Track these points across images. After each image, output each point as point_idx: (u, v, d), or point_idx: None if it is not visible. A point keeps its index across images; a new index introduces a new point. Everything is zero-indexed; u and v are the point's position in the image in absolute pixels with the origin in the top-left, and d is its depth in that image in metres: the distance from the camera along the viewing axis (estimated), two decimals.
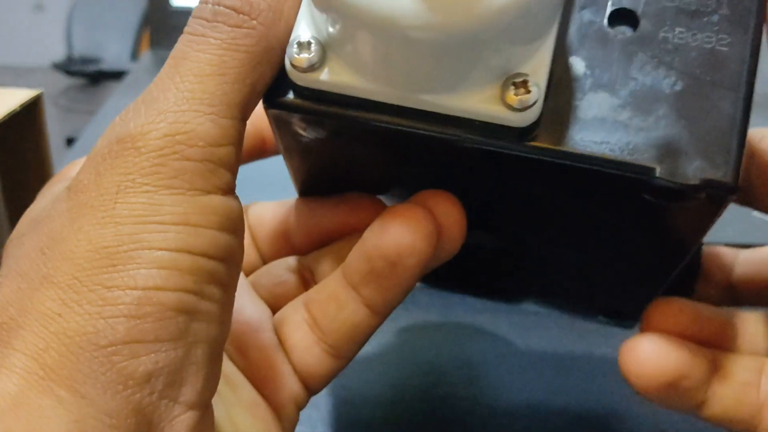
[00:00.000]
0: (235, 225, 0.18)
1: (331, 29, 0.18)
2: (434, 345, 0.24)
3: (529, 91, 0.18)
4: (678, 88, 0.19)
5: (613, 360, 0.23)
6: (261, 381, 0.22)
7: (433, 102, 0.18)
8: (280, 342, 0.22)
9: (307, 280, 0.24)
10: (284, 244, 0.25)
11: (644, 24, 0.19)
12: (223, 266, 0.18)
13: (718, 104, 0.19)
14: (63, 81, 0.64)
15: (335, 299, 0.21)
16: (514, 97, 0.18)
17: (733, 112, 0.19)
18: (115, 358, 0.16)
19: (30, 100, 0.30)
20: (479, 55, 0.18)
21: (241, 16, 0.18)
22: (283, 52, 0.19)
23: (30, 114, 0.30)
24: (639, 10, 0.19)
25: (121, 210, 0.17)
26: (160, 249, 0.17)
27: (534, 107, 0.18)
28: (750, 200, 0.22)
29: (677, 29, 0.19)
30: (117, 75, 0.64)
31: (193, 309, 0.17)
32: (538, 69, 0.18)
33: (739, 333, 0.23)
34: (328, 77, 0.19)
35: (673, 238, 0.23)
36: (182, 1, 0.61)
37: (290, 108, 0.19)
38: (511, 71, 0.18)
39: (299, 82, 0.19)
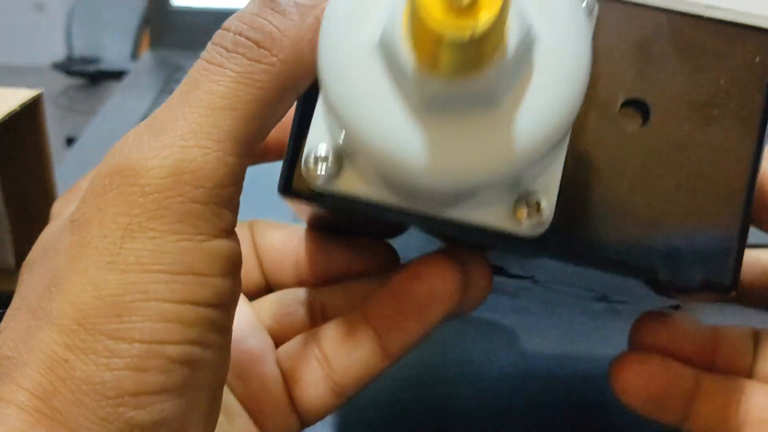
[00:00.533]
0: (236, 267, 0.18)
1: (345, 144, 0.18)
2: (433, 344, 0.24)
3: (540, 212, 0.18)
4: (684, 188, 0.19)
5: (611, 359, 0.23)
6: (258, 412, 0.22)
7: (447, 215, 0.19)
8: (285, 374, 0.22)
9: (315, 314, 0.24)
10: (291, 272, 0.25)
11: (655, 116, 0.19)
12: (224, 312, 0.18)
13: (722, 205, 0.19)
14: (63, 81, 0.64)
15: (351, 338, 0.22)
16: (526, 217, 0.18)
17: (735, 213, 0.19)
18: (122, 409, 0.16)
19: (30, 99, 0.30)
20: (488, 190, 0.18)
21: (261, 50, 0.18)
22: (298, 92, 0.19)
23: (30, 114, 0.30)
24: (650, 101, 0.19)
25: (127, 256, 0.17)
26: (166, 301, 0.17)
27: (545, 224, 0.18)
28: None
29: (687, 124, 0.19)
30: (117, 75, 0.64)
31: (197, 359, 0.17)
32: (549, 185, 0.18)
33: (723, 350, 0.24)
34: (344, 187, 0.19)
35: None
36: (182, 1, 0.61)
37: (307, 199, 0.19)
38: (523, 190, 0.18)
39: (316, 189, 0.19)
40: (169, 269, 0.17)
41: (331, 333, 0.22)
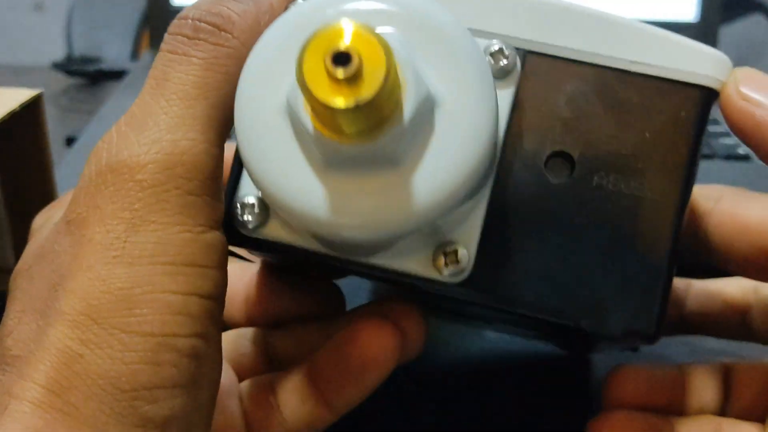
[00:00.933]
0: (226, 259, 0.19)
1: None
2: (429, 343, 0.24)
3: (458, 261, 0.19)
4: (608, 238, 0.19)
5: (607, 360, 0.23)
6: None
7: (371, 261, 0.19)
8: (244, 412, 0.23)
9: (267, 356, 0.25)
10: (241, 309, 0.25)
11: (580, 168, 0.20)
12: (221, 305, 0.18)
13: (646, 256, 0.19)
14: (63, 81, 0.64)
15: (299, 393, 0.22)
16: (445, 266, 0.19)
17: (660, 264, 0.19)
18: (137, 402, 0.16)
19: (30, 99, 0.30)
20: (407, 237, 0.18)
21: (223, 34, 0.18)
22: None
23: (30, 114, 0.30)
24: (575, 154, 0.20)
25: (132, 249, 0.17)
26: (173, 293, 0.17)
27: (465, 271, 0.19)
28: (709, 258, 0.23)
29: (612, 176, 0.20)
30: (117, 75, 0.64)
31: (202, 354, 0.17)
32: (469, 234, 0.19)
33: (694, 391, 0.24)
34: (271, 235, 0.20)
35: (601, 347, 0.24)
36: (182, 1, 0.61)
37: (243, 244, 0.20)
38: (442, 239, 0.19)
39: (247, 235, 0.20)
40: (173, 260, 0.17)
41: (281, 384, 0.23)
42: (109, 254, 0.17)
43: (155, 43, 0.64)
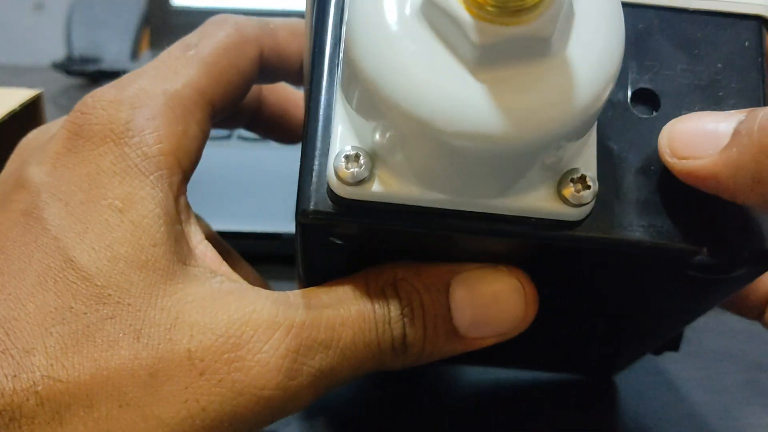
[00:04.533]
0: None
1: (380, 139, 0.18)
2: (448, 373, 0.24)
3: (588, 186, 0.18)
4: None
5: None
6: None
7: (490, 204, 0.18)
8: None
9: None
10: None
11: (665, 103, 0.20)
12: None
13: None
14: (63, 80, 0.64)
15: None
16: (575, 193, 0.18)
17: None
18: None
19: (30, 99, 0.30)
20: (541, 159, 0.18)
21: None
22: None
23: (30, 114, 0.30)
24: (658, 90, 0.20)
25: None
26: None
27: (592, 201, 0.18)
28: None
29: (697, 106, 0.20)
30: (117, 75, 0.63)
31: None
32: (589, 162, 0.19)
33: None
34: (377, 189, 0.18)
35: (697, 303, 0.23)
36: (182, 1, 0.61)
37: (331, 223, 0.19)
38: (565, 168, 0.18)
39: (347, 196, 0.18)
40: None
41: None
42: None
43: (155, 43, 0.64)
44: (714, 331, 0.36)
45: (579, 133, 0.17)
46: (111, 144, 0.21)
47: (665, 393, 0.32)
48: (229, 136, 0.49)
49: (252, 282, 0.29)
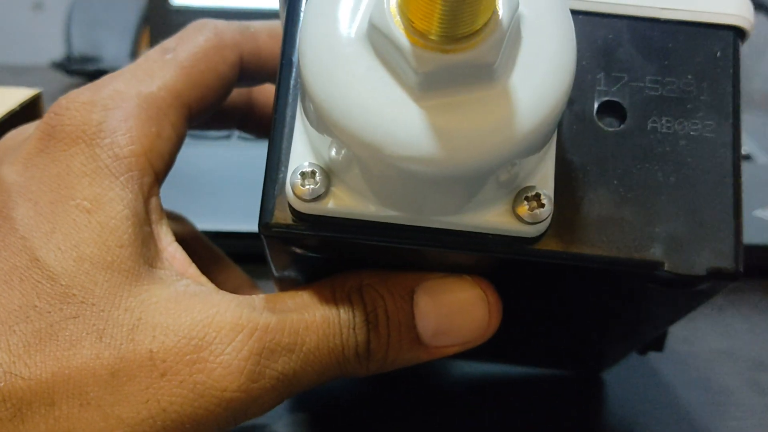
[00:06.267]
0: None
1: (335, 156, 0.18)
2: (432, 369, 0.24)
3: (542, 205, 0.18)
4: (673, 179, 0.19)
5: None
6: None
7: (446, 221, 0.18)
8: None
9: None
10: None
11: (631, 115, 0.20)
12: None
13: (713, 191, 0.19)
14: (62, 80, 0.64)
15: None
16: (529, 212, 0.18)
17: (728, 199, 0.19)
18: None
19: (29, 99, 0.30)
20: (492, 179, 0.18)
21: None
22: None
23: (29, 113, 0.30)
24: (625, 102, 0.20)
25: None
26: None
27: (547, 219, 0.18)
28: None
29: (664, 119, 0.20)
30: None
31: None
32: (545, 179, 0.18)
33: None
34: (333, 205, 0.18)
35: (666, 314, 0.23)
36: (182, 1, 0.61)
37: (291, 235, 0.19)
38: (521, 185, 0.18)
39: (305, 211, 0.18)
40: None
41: None
42: None
43: (155, 42, 0.64)
44: (714, 331, 0.36)
45: (526, 155, 0.17)
46: (82, 145, 0.22)
47: (666, 393, 0.32)
48: (229, 136, 0.49)
49: (238, 283, 0.29)
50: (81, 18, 0.71)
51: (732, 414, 0.31)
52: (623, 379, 0.32)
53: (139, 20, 0.72)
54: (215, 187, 0.42)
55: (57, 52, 0.70)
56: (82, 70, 0.65)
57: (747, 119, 0.55)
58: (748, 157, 0.48)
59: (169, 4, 0.61)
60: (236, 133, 0.49)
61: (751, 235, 0.39)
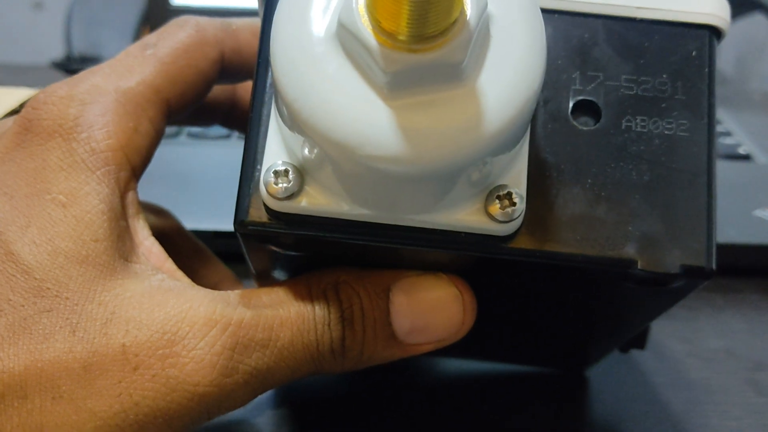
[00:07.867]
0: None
1: (308, 155, 0.18)
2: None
3: (514, 203, 0.18)
4: (647, 177, 0.19)
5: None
6: None
7: (417, 219, 0.18)
8: None
9: None
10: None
11: (606, 114, 0.20)
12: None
13: (687, 190, 0.19)
14: (62, 80, 0.64)
15: None
16: (500, 210, 0.18)
17: (701, 197, 0.19)
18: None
19: (29, 99, 0.30)
20: (463, 178, 0.18)
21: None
22: None
23: None
24: (600, 101, 0.20)
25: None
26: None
27: (519, 218, 0.18)
28: None
29: (638, 118, 0.20)
30: None
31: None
32: (517, 178, 0.19)
33: None
34: (306, 203, 0.18)
35: (643, 312, 0.23)
36: (182, 1, 0.61)
37: (266, 233, 0.19)
38: (493, 184, 0.18)
39: (278, 209, 0.18)
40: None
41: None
42: None
43: None
44: (714, 331, 0.36)
45: (495, 154, 0.17)
46: (59, 139, 0.21)
47: (665, 393, 0.32)
48: (228, 136, 0.49)
49: (220, 277, 0.29)
50: (81, 18, 0.71)
51: (732, 414, 0.31)
52: (625, 379, 0.32)
53: (139, 20, 0.72)
54: (215, 187, 0.42)
55: (57, 51, 0.70)
56: (82, 69, 0.65)
57: (747, 119, 0.55)
58: (748, 157, 0.48)
59: (169, 3, 0.61)
60: (236, 133, 0.49)
61: (751, 235, 0.39)
